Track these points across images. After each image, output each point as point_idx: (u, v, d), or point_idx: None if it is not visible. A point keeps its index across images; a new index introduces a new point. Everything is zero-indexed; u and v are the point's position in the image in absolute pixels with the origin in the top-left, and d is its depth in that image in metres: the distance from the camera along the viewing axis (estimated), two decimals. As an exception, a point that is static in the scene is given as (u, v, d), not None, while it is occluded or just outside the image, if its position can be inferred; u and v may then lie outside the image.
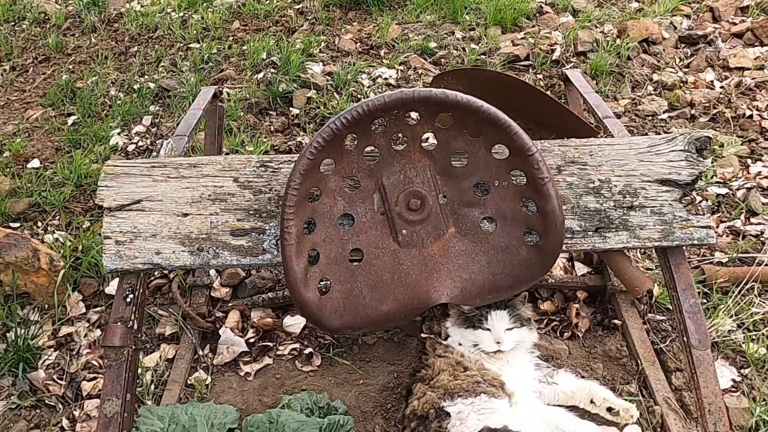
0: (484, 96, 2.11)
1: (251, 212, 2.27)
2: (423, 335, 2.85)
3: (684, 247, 2.31)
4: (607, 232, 2.25)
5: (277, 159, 2.31)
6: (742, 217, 3.41)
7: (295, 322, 2.94)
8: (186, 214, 2.26)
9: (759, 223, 3.34)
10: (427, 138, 2.28)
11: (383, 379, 2.72)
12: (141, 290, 2.27)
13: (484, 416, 2.23)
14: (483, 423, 2.19)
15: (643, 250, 3.16)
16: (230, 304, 3.07)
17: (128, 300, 2.21)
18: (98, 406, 2.38)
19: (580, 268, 3.08)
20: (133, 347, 2.21)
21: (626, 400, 2.47)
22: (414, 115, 2.17)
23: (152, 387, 2.75)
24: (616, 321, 2.81)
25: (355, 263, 2.20)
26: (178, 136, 2.74)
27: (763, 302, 2.80)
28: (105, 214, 2.25)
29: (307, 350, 2.84)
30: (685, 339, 2.21)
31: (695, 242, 2.24)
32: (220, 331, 2.92)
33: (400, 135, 2.17)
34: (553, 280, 2.95)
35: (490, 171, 2.19)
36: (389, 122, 2.13)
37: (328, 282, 2.18)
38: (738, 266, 3.02)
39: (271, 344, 2.90)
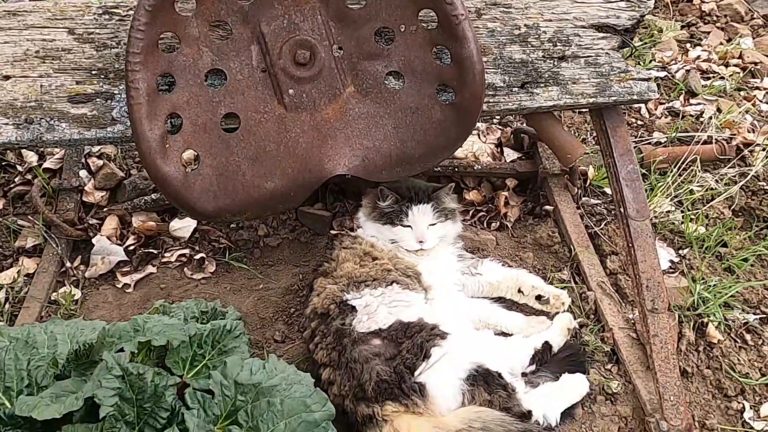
0: None
1: (94, 72, 1.78)
2: (333, 232, 2.49)
3: (622, 110, 2.00)
4: (535, 88, 1.90)
5: (125, 4, 1.81)
6: (681, 98, 3.16)
7: (183, 226, 2.51)
8: (7, 77, 1.75)
9: (698, 104, 3.11)
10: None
11: (287, 282, 2.36)
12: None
13: (396, 309, 1.91)
14: (395, 317, 1.88)
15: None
16: (106, 210, 2.59)
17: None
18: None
19: (510, 154, 2.76)
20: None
21: (558, 287, 2.21)
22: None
23: (7, 306, 2.28)
24: (548, 207, 2.52)
25: (230, 132, 1.77)
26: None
27: (702, 181, 2.57)
28: None
29: (198, 256, 2.43)
30: (622, 210, 1.93)
31: (635, 97, 1.92)
32: (94, 240, 2.45)
33: (279, -35, 1.71)
34: (479, 167, 2.62)
35: (395, 13, 1.76)
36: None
37: (197, 154, 1.75)
38: (677, 146, 2.78)
39: (155, 251, 2.46)
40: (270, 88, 1.78)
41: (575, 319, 2.10)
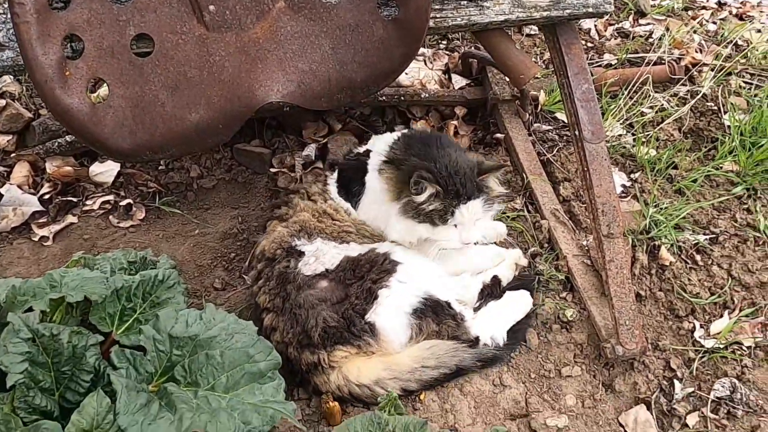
0: None
1: (-30, -12, 1.49)
2: (273, 170, 2.31)
3: (576, 26, 1.87)
4: (485, 1, 1.74)
5: None
6: (631, 18, 3.06)
7: (105, 170, 2.27)
8: None
9: (648, 24, 3.02)
10: None
11: (225, 225, 2.19)
12: None
13: (345, 251, 1.78)
14: (343, 254, 1.75)
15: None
16: (15, 155, 2.31)
17: None
18: None
19: (458, 81, 2.61)
20: None
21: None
22: None
23: None
24: (498, 135, 2.41)
25: (143, 56, 1.54)
26: None
27: (653, 102, 2.51)
28: None
29: (125, 202, 2.21)
30: (576, 132, 1.84)
31: (590, 10, 1.79)
32: (3, 190, 2.19)
33: None
34: (427, 96, 2.46)
35: None
36: None
37: (105, 84, 1.52)
38: (627, 68, 2.69)
39: (75, 199, 2.23)
40: (187, 5, 1.55)
41: (530, 248, 2.04)
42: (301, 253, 1.77)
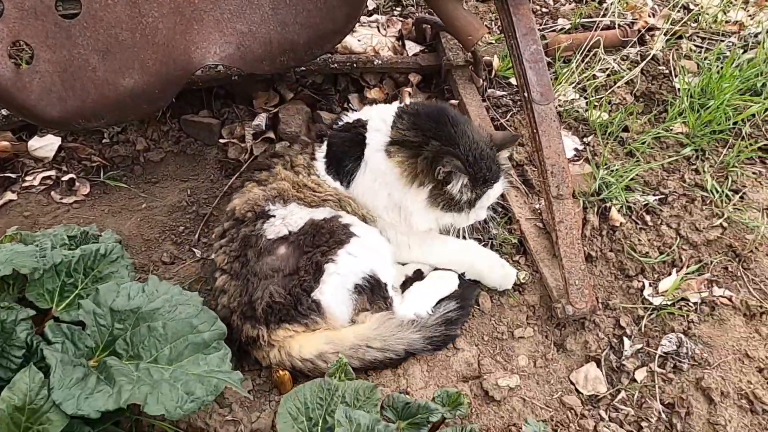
0: None
1: None
2: (222, 141, 2.24)
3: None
4: (429, -40, 1.69)
5: None
6: (585, -17, 3.04)
7: (45, 144, 2.18)
8: None
9: (602, -12, 3.01)
10: None
11: (173, 199, 2.13)
12: None
13: (315, 213, 1.72)
14: (308, 216, 1.70)
15: None
16: (-54, 131, 2.20)
17: None
18: None
19: (412, 47, 2.57)
20: None
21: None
22: None
23: None
24: (453, 101, 2.39)
25: (70, 18, 1.46)
26: None
27: (605, 65, 2.52)
28: None
29: (67, 177, 2.13)
30: (525, 95, 1.83)
31: (537, -31, 1.76)
32: (-66, 167, 2.09)
33: None
34: (380, 63, 2.41)
35: None
36: None
37: (29, 48, 1.44)
38: (581, 32, 2.69)
39: (13, 176, 2.13)
40: (115, -37, 1.47)
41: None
42: (271, 216, 1.72)
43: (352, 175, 1.80)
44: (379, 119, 1.80)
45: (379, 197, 1.80)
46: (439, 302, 1.76)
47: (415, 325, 1.66)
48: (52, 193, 2.11)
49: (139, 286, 1.49)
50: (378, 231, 1.82)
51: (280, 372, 1.57)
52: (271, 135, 2.24)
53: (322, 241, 1.66)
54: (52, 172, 2.14)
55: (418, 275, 1.88)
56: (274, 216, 1.71)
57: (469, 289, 1.82)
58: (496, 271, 1.83)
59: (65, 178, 2.12)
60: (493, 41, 2.61)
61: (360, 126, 1.83)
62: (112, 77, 1.49)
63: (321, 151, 1.87)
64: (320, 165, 1.85)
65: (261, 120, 2.26)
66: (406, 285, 1.85)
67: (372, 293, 1.67)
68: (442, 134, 1.69)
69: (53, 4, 1.44)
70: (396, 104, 1.90)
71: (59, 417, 1.21)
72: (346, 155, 1.80)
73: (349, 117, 1.92)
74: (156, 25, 1.50)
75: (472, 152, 1.68)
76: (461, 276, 1.85)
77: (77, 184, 2.13)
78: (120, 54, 1.49)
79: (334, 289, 1.61)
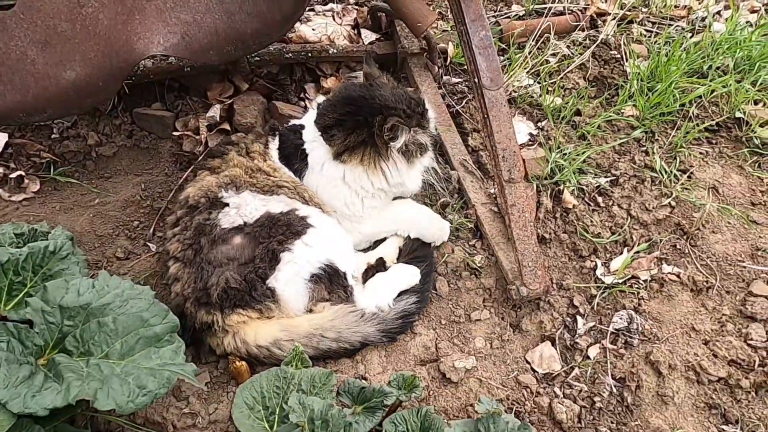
0: None
1: None
2: (176, 133, 2.22)
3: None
4: (375, -54, 1.69)
5: None
6: (539, -30, 3.07)
7: (-10, 140, 2.12)
8: None
9: (555, -25, 3.04)
10: None
11: (127, 193, 2.10)
12: None
13: (270, 204, 1.72)
14: (265, 209, 1.70)
15: None
16: None
17: None
18: None
19: (367, 36, 2.56)
20: None
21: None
22: None
23: None
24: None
25: (4, 9, 1.42)
26: None
27: (556, 49, 2.56)
28: None
29: (15, 174, 2.08)
30: (476, 80, 1.84)
31: (483, -45, 1.78)
32: None
33: None
34: (336, 52, 2.40)
35: None
36: None
37: (-38, 41, 1.40)
38: (535, 18, 2.72)
39: (-42, 174, 2.08)
40: (51, -48, 1.43)
41: (440, 198, 2.06)
42: (225, 205, 1.71)
43: (301, 173, 1.87)
44: (312, 129, 1.85)
45: (340, 196, 1.86)
46: (399, 294, 1.78)
47: (373, 318, 1.67)
48: (0, 190, 2.05)
49: (89, 281, 1.47)
50: (335, 221, 1.84)
51: (237, 363, 1.57)
52: (226, 126, 2.22)
53: (278, 232, 1.66)
54: (0, 170, 2.09)
55: (380, 263, 1.89)
56: (227, 204, 1.71)
57: (427, 282, 1.84)
58: (435, 224, 1.93)
59: (13, 175, 2.07)
60: (448, 29, 2.63)
61: (299, 133, 1.89)
62: (53, 70, 1.46)
63: (274, 144, 1.90)
64: (274, 154, 1.89)
65: (215, 111, 2.23)
66: (368, 273, 1.86)
67: (330, 282, 1.67)
68: (363, 106, 1.78)
69: (-13, -5, 1.40)
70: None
71: (6, 416, 1.19)
72: (293, 156, 1.88)
73: (300, 119, 1.98)
74: (96, 15, 1.47)
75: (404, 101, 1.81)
76: (417, 261, 1.87)
77: (26, 181, 2.09)
78: (60, 46, 1.46)
79: (290, 277, 1.61)
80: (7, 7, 1.43)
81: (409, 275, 1.80)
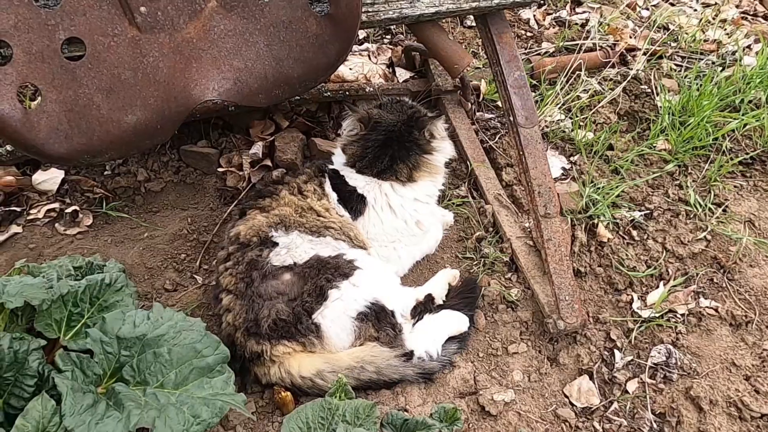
0: None
1: None
2: (221, 170, 2.32)
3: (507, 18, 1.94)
4: (415, -6, 1.79)
5: None
6: (568, 7, 3.16)
7: (48, 177, 2.24)
8: None
9: (584, 12, 3.12)
10: None
11: (174, 227, 2.19)
12: None
13: (319, 246, 1.81)
14: (314, 252, 1.77)
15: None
16: (-47, 167, 2.26)
17: None
18: None
19: (402, 74, 2.67)
20: None
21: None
22: None
23: None
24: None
25: (75, 60, 1.54)
26: None
27: (587, 86, 2.61)
28: None
29: (71, 209, 2.19)
30: (511, 119, 1.91)
31: (518, 0, 1.86)
32: (-58, 203, 2.15)
33: None
34: (372, 89, 2.50)
35: None
36: None
37: (36, 89, 1.51)
38: (565, 55, 2.78)
39: (18, 209, 2.20)
40: (118, 7, 1.55)
41: (475, 232, 2.11)
42: (275, 244, 1.79)
43: (359, 214, 1.98)
44: (360, 177, 2.02)
45: (414, 217, 2.02)
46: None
47: (416, 366, 1.69)
48: (56, 225, 2.17)
49: (144, 313, 1.55)
50: (381, 262, 1.92)
51: (282, 393, 1.62)
52: (268, 163, 2.31)
53: (327, 272, 1.73)
54: (56, 205, 2.21)
55: (429, 300, 1.89)
56: (277, 244, 1.78)
57: (471, 326, 1.86)
58: (447, 214, 2.17)
59: (68, 210, 2.19)
60: (480, 66, 2.71)
61: (342, 177, 2.02)
62: (116, 115, 1.57)
63: (327, 184, 2.00)
64: (331, 194, 1.98)
65: (258, 148, 2.33)
66: (416, 309, 1.86)
67: (378, 320, 1.71)
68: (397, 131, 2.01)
69: (59, 47, 1.52)
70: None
71: (71, 443, 1.26)
72: (349, 199, 1.99)
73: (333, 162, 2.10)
74: (157, 64, 1.58)
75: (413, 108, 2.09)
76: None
77: (80, 215, 2.20)
78: (123, 92, 1.57)
79: (336, 314, 1.66)
80: (77, 57, 1.55)
81: (459, 322, 1.82)
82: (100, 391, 1.43)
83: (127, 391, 1.38)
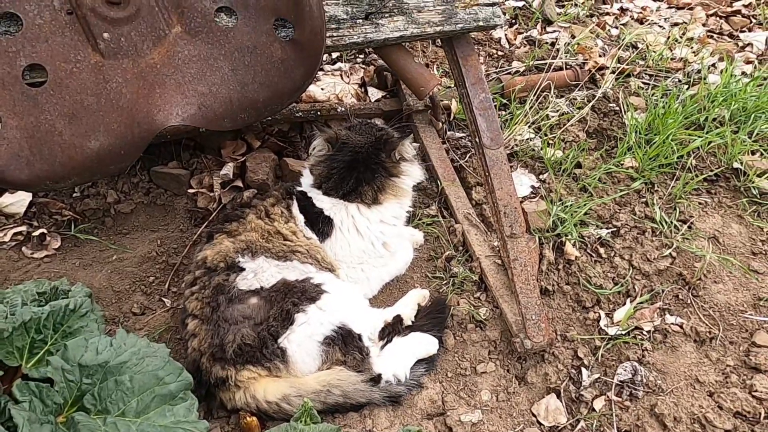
0: None
1: None
2: (191, 191, 2.31)
3: (471, 38, 1.97)
4: (380, 19, 1.81)
5: None
6: (539, 26, 3.21)
7: (15, 201, 2.22)
8: None
9: (554, 31, 3.18)
10: None
11: (144, 249, 2.18)
12: None
13: (285, 271, 1.80)
14: (281, 276, 1.77)
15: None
16: None
17: None
18: None
19: (374, 94, 2.69)
20: None
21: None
22: None
23: None
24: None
25: (37, 86, 1.53)
26: None
27: (556, 107, 2.65)
28: None
29: (38, 232, 2.17)
30: (477, 140, 1.93)
31: (481, 24, 1.89)
32: None
33: None
34: (343, 109, 2.52)
35: (216, -60, 1.58)
36: None
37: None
38: (535, 74, 2.83)
39: (-16, 232, 2.17)
40: (80, 33, 1.55)
41: (445, 251, 2.12)
42: (242, 269, 1.79)
43: (326, 236, 1.97)
44: (325, 199, 2.01)
45: (380, 239, 2.02)
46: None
47: (383, 390, 1.69)
48: (23, 248, 2.15)
49: (107, 340, 1.54)
50: (349, 285, 1.92)
51: (248, 418, 1.61)
52: (239, 183, 2.31)
53: (293, 296, 1.72)
54: (23, 228, 2.19)
55: (397, 321, 1.89)
56: (244, 269, 1.78)
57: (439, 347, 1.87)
58: (417, 234, 2.21)
59: (36, 233, 2.17)
60: (451, 86, 2.74)
61: (310, 199, 2.01)
62: (79, 141, 1.56)
63: (295, 206, 2.00)
64: (299, 216, 1.98)
65: (228, 169, 2.33)
66: (384, 331, 1.86)
67: (345, 344, 1.70)
68: (364, 153, 2.01)
69: (20, 73, 1.52)
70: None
71: (27, 476, 1.24)
72: (316, 222, 1.97)
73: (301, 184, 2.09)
74: (120, 89, 1.58)
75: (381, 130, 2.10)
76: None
77: (48, 238, 2.18)
78: (85, 118, 1.56)
79: (303, 338, 1.66)
80: (39, 84, 1.54)
81: (428, 345, 1.82)
82: (60, 421, 1.41)
83: (87, 421, 1.37)
